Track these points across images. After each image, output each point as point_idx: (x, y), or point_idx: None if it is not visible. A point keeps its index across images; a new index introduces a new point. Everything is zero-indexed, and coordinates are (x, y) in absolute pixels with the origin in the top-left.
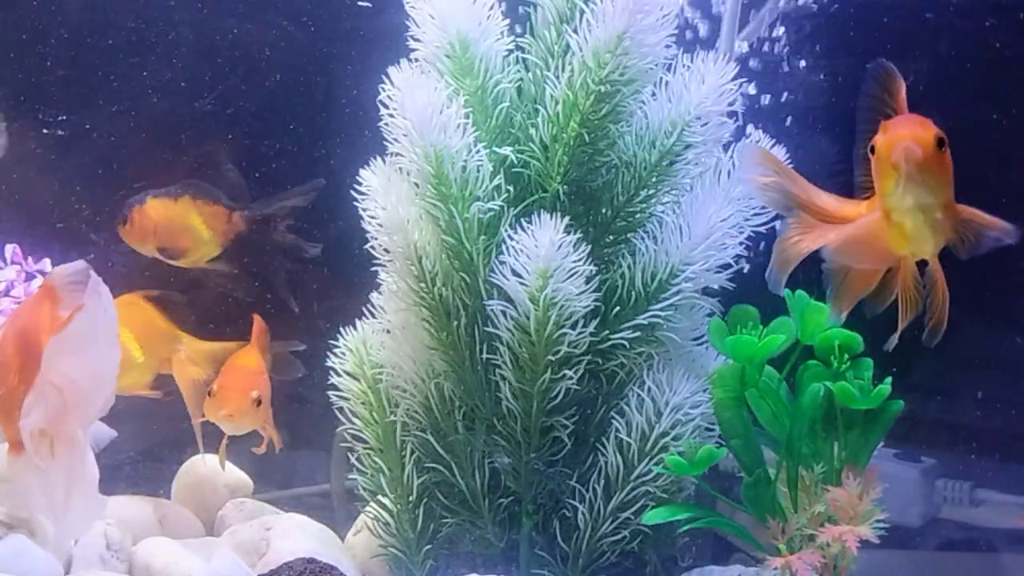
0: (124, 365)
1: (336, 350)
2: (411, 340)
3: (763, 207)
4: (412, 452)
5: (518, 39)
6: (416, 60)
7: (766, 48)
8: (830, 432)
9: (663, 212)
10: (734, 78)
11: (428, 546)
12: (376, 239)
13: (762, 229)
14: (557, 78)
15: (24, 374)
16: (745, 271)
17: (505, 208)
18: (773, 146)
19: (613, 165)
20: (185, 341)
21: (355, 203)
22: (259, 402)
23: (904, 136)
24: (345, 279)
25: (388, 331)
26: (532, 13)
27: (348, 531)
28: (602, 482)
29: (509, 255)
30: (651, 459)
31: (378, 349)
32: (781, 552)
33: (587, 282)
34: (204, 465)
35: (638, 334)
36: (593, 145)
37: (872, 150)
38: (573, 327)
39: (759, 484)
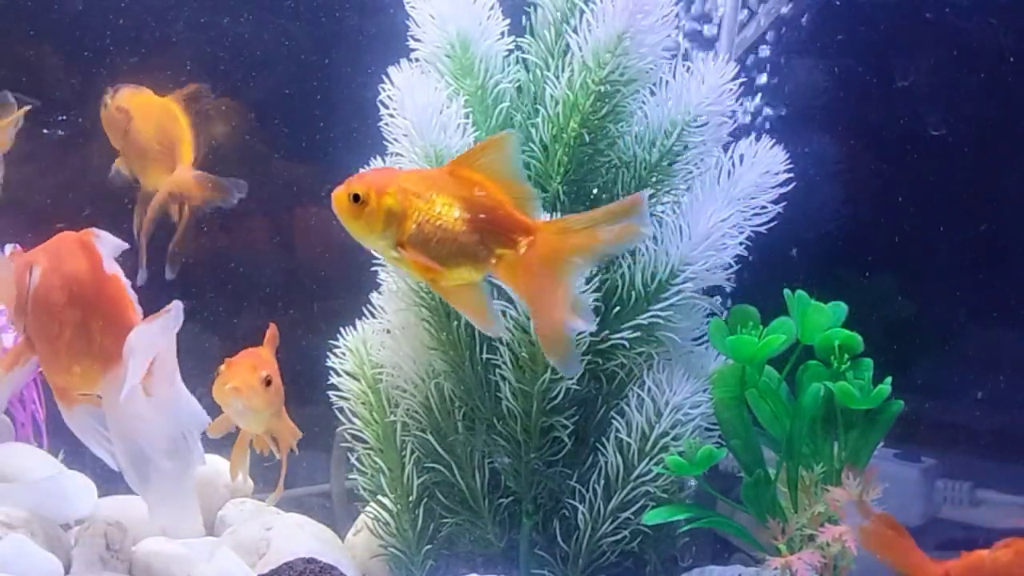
0: (143, 155)
1: (336, 350)
2: (411, 340)
3: (763, 207)
4: (412, 452)
5: (518, 39)
6: (416, 60)
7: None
8: (830, 432)
9: (663, 212)
10: (734, 78)
11: (428, 546)
12: None
13: (762, 229)
14: (557, 78)
15: (85, 329)
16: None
17: None
18: (772, 147)
19: (613, 165)
20: (185, 164)
21: None
22: (269, 382)
23: None
24: (345, 279)
25: (388, 331)
26: (532, 13)
27: (348, 531)
28: (602, 482)
29: None
30: (651, 459)
31: (378, 349)
32: (781, 552)
33: (587, 282)
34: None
35: (638, 334)
36: (593, 145)
37: None
38: None
39: (759, 484)
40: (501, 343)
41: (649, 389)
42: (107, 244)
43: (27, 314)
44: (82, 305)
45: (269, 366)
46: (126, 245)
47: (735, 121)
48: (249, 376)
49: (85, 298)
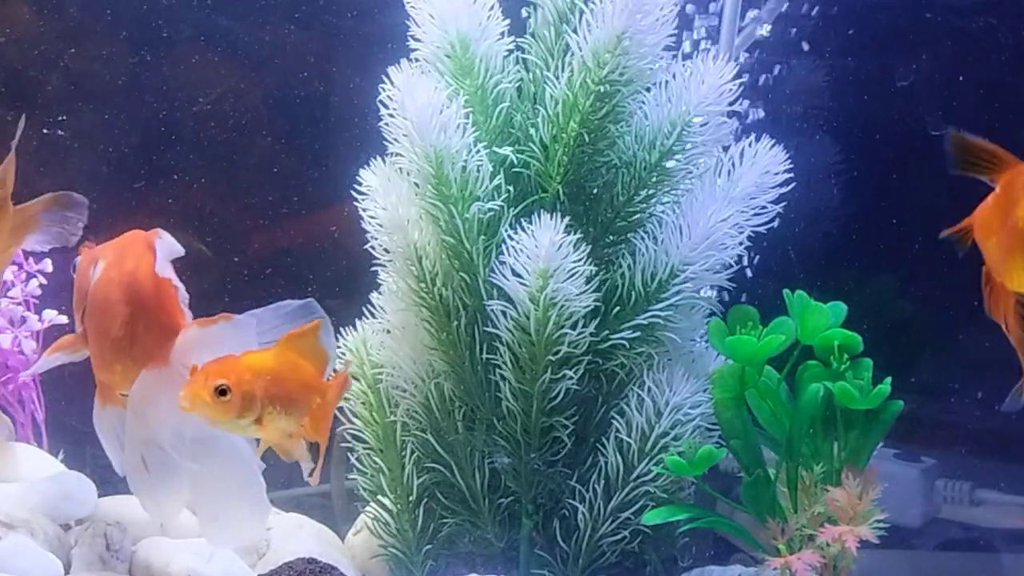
0: None
1: (336, 350)
2: (411, 340)
3: (763, 207)
4: (412, 452)
5: (518, 39)
6: (416, 60)
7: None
8: (830, 432)
9: (663, 212)
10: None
11: (428, 546)
12: (376, 239)
13: (762, 229)
14: (557, 78)
15: (131, 327)
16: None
17: (505, 208)
18: (772, 147)
19: (613, 165)
20: None
21: (355, 203)
22: (223, 392)
23: None
24: (345, 279)
25: (388, 331)
26: (532, 13)
27: (348, 531)
28: (602, 482)
29: (509, 255)
30: (651, 459)
31: (378, 349)
32: (781, 552)
33: (587, 282)
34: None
35: (638, 334)
36: (593, 145)
37: None
38: (573, 327)
39: (759, 484)
40: (501, 343)
41: (649, 389)
42: (165, 246)
43: (85, 306)
44: (133, 305)
45: (242, 373)
46: (183, 251)
47: (740, 120)
48: (199, 386)
49: (137, 299)
